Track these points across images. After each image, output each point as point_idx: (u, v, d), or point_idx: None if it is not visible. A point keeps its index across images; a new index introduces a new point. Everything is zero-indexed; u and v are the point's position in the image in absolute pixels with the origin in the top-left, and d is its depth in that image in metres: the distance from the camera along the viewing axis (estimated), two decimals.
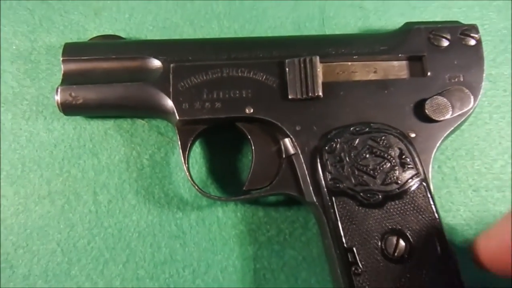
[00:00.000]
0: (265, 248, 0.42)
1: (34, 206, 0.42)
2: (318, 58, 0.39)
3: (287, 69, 0.39)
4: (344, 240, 0.35)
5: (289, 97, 0.38)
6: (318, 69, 0.38)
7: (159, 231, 0.42)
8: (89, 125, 0.44)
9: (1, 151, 0.43)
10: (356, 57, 0.40)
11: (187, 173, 0.40)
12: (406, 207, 0.35)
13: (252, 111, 0.39)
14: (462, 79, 0.40)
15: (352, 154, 0.37)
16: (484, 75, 0.40)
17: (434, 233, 0.34)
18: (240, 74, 0.39)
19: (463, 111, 0.39)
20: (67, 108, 0.40)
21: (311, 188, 0.37)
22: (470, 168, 0.44)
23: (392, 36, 0.42)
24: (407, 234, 0.34)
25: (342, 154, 0.37)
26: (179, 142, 0.40)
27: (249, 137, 0.40)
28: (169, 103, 0.39)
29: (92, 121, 0.44)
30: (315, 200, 0.37)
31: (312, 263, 0.41)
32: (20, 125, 0.44)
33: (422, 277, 0.33)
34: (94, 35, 0.45)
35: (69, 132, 0.44)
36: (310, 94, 0.38)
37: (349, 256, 0.34)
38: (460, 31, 0.41)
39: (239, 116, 0.39)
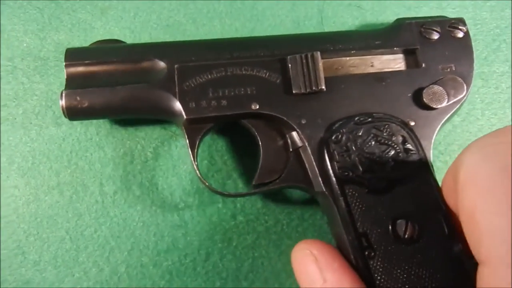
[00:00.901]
0: (263, 237, 0.43)
1: (44, 196, 0.43)
2: (319, 53, 0.40)
3: (289, 65, 0.40)
4: (356, 226, 0.35)
5: (293, 92, 0.39)
6: (320, 64, 0.39)
7: (162, 221, 0.43)
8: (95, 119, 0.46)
9: (13, 144, 0.44)
10: (354, 52, 0.42)
11: (197, 171, 0.40)
12: (412, 191, 0.36)
13: (257, 107, 0.39)
14: (454, 69, 0.41)
15: (357, 143, 0.37)
16: (474, 64, 0.42)
17: (440, 215, 0.35)
18: (243, 72, 0.40)
19: (457, 98, 0.40)
20: (72, 113, 0.40)
21: (320, 179, 0.38)
22: None
23: (386, 31, 0.44)
24: (415, 217, 0.35)
25: (349, 144, 0.37)
26: (188, 141, 0.40)
27: (255, 133, 0.41)
28: (175, 102, 0.39)
29: None
30: (324, 190, 0.37)
31: None
32: (30, 120, 0.45)
33: (433, 256, 0.34)
34: (101, 33, 0.47)
35: (76, 126, 0.45)
36: (313, 88, 0.39)
37: (363, 241, 0.35)
38: (449, 24, 0.43)
39: (245, 113, 0.40)
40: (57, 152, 0.45)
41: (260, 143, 0.41)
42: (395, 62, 0.42)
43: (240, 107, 0.39)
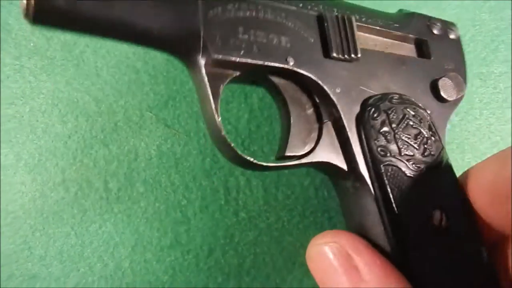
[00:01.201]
0: (265, 234, 0.44)
1: (50, 192, 0.44)
2: (354, 17, 0.37)
3: (326, 24, 0.35)
4: (396, 213, 0.32)
5: (331, 55, 0.35)
6: (356, 29, 0.36)
7: (165, 217, 0.44)
8: (100, 117, 0.46)
9: (20, 141, 0.45)
10: (378, 28, 0.40)
11: (221, 128, 0.31)
12: (442, 179, 0.35)
13: (293, 63, 0.33)
14: (453, 67, 0.42)
15: (393, 124, 0.35)
16: (465, 68, 0.42)
17: (467, 205, 0.34)
18: (278, 19, 0.34)
19: (459, 95, 0.41)
20: (43, 11, 0.25)
21: (356, 157, 0.34)
22: (460, 161, 0.47)
23: (401, 17, 0.43)
24: (447, 206, 0.34)
25: (386, 122, 0.35)
26: (209, 88, 0.31)
27: (284, 95, 0.35)
28: (197, 32, 0.30)
29: (103, 114, 0.46)
30: (360, 171, 0.34)
31: None
32: (37, 117, 0.46)
33: (466, 247, 0.33)
34: None
35: (82, 124, 0.46)
36: (351, 55, 0.35)
37: (403, 231, 0.32)
38: (446, 25, 0.44)
39: (278, 67, 0.33)
40: (63, 150, 0.45)
41: (289, 108, 0.35)
42: (407, 49, 0.42)
43: (274, 58, 0.33)
